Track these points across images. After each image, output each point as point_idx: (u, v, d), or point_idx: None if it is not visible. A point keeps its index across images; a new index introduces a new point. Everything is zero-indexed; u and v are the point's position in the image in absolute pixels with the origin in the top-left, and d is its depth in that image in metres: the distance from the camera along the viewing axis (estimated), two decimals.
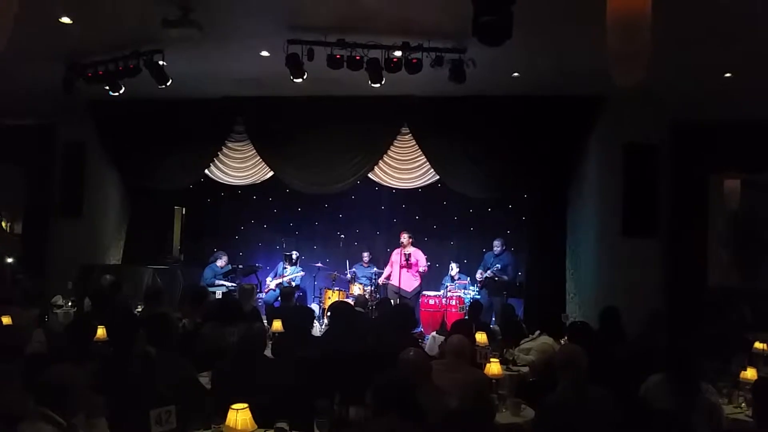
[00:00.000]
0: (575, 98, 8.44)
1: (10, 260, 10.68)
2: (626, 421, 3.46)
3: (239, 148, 9.85)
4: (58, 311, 7.80)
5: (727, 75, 7.16)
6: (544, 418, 3.63)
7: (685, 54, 6.45)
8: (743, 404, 4.48)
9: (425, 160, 9.25)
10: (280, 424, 3.25)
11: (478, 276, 9.32)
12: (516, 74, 7.66)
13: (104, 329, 5.25)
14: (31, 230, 10.59)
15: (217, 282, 9.47)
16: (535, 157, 8.74)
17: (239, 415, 3.10)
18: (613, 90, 7.45)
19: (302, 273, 10.05)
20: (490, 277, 9.12)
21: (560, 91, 8.26)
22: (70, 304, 8.14)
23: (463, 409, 3.14)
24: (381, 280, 9.80)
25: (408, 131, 9.28)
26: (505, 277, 9.09)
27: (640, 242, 8.31)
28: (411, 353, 3.57)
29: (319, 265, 10.18)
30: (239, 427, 3.09)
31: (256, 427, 3.17)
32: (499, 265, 9.11)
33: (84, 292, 7.90)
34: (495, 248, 9.42)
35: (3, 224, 12.22)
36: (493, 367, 4.58)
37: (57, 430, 2.71)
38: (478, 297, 8.99)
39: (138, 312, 7.18)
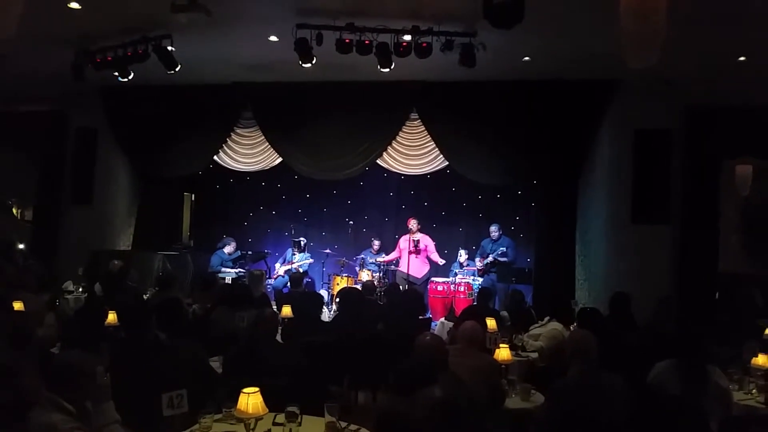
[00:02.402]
0: (587, 83, 8.36)
1: (21, 246, 10.75)
2: (636, 407, 3.45)
3: (248, 134, 9.85)
4: (69, 296, 7.87)
5: (741, 59, 7.06)
6: (554, 402, 3.63)
7: (698, 37, 6.35)
8: (754, 390, 4.47)
9: (434, 146, 9.21)
10: (291, 408, 3.25)
11: (477, 264, 9.30)
12: (527, 58, 7.58)
13: (115, 314, 5.29)
14: (42, 217, 10.64)
15: (224, 269, 9.51)
16: (546, 142, 8.66)
17: (251, 398, 3.11)
18: (626, 74, 7.39)
19: (311, 259, 10.07)
20: (492, 262, 9.11)
21: (572, 75, 8.18)
22: (80, 289, 8.20)
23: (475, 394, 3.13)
24: (384, 260, 9.79)
25: (417, 117, 9.23)
26: (505, 259, 9.08)
27: (651, 228, 8.26)
28: (428, 338, 3.56)
29: (328, 251, 10.20)
30: (251, 411, 3.10)
31: (267, 410, 3.19)
32: (504, 248, 9.09)
33: (94, 277, 7.95)
34: (492, 233, 9.41)
35: (14, 211, 12.32)
36: (503, 353, 4.58)
37: (67, 417, 2.72)
38: (480, 284, 9.00)
39: (148, 297, 7.22)
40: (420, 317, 6.85)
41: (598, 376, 3.61)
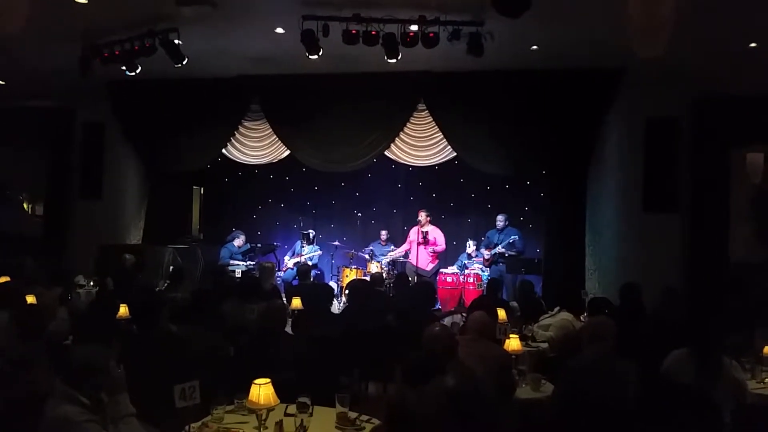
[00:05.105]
0: (595, 71, 8.28)
1: (32, 241, 10.83)
2: (648, 395, 3.44)
3: (255, 127, 9.85)
4: (80, 291, 7.92)
5: (752, 45, 6.97)
6: (568, 380, 3.64)
7: (708, 25, 6.27)
8: (767, 379, 4.45)
9: (442, 136, 9.17)
10: (302, 399, 3.27)
11: (485, 254, 9.26)
12: (535, 47, 7.52)
13: (126, 307, 5.33)
14: (52, 212, 10.73)
15: (233, 261, 9.54)
16: (555, 132, 8.60)
17: (262, 389, 3.13)
18: (635, 63, 7.32)
19: (320, 252, 10.09)
20: (501, 253, 9.08)
21: (580, 64, 8.10)
22: (91, 283, 8.25)
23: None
24: (394, 255, 9.80)
25: (424, 108, 9.19)
26: (514, 251, 9.04)
27: (661, 217, 8.22)
28: (437, 328, 3.57)
29: (337, 243, 10.21)
30: (262, 402, 3.12)
31: (279, 401, 3.20)
32: (515, 236, 9.07)
33: (106, 271, 8.01)
34: (498, 223, 9.38)
35: (25, 206, 12.40)
36: (513, 343, 4.57)
37: (81, 409, 2.75)
38: (488, 274, 8.99)
39: (159, 290, 7.27)
40: (431, 309, 6.84)
41: (613, 360, 3.62)
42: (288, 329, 4.93)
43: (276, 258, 10.04)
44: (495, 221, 9.52)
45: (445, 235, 9.77)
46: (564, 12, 6.29)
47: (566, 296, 6.16)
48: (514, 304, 7.03)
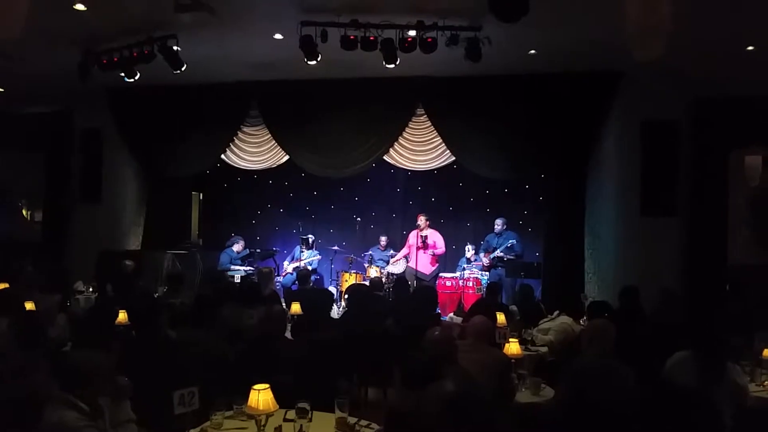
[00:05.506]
0: (593, 75, 8.31)
1: (31, 247, 10.82)
2: (648, 398, 3.44)
3: (254, 133, 9.86)
4: (79, 297, 7.91)
5: (750, 48, 7.00)
6: (570, 381, 3.65)
7: (705, 27, 6.29)
8: (766, 382, 4.45)
9: (441, 141, 9.18)
10: (301, 404, 3.26)
11: (484, 260, 9.26)
12: (533, 51, 7.54)
13: (125, 313, 5.33)
14: (51, 217, 10.72)
15: (233, 267, 9.54)
16: (553, 135, 8.61)
17: (261, 395, 3.13)
18: (632, 66, 7.34)
19: (319, 256, 10.07)
20: (500, 257, 9.08)
21: (578, 67, 8.13)
22: (91, 289, 8.25)
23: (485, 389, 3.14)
24: (392, 262, 9.81)
25: (423, 112, 9.21)
26: (513, 255, 9.05)
27: (660, 220, 8.22)
28: (437, 332, 3.57)
29: (336, 248, 10.21)
30: (261, 408, 3.12)
31: (278, 407, 3.20)
32: (513, 240, 9.07)
33: (105, 277, 8.00)
34: (496, 227, 9.38)
35: (24, 212, 12.39)
36: (513, 347, 4.57)
37: (80, 415, 2.75)
38: (487, 279, 8.99)
39: (158, 296, 7.26)
40: (432, 313, 6.84)
41: (613, 363, 3.63)
42: (287, 334, 4.93)
43: (275, 263, 10.03)
44: (494, 225, 9.53)
45: (444, 239, 9.77)
46: (561, 16, 6.31)
47: (566, 300, 6.18)
48: (514, 308, 7.02)
